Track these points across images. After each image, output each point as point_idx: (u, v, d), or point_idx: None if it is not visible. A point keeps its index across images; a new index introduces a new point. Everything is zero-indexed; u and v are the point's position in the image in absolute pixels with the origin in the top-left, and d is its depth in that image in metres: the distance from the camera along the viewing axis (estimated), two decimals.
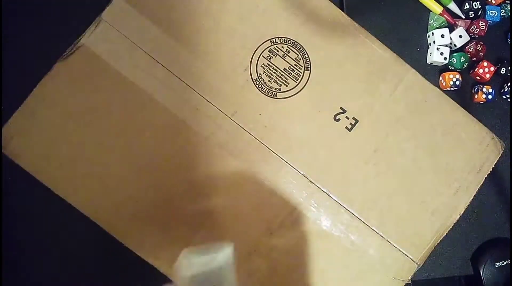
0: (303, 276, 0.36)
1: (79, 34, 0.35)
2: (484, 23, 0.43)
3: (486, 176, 0.37)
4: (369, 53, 0.38)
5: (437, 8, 0.43)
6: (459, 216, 0.37)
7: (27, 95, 0.35)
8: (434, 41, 0.43)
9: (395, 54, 0.38)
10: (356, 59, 0.38)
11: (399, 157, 0.37)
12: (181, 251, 0.34)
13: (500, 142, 0.38)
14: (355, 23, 0.38)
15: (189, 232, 0.35)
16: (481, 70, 0.42)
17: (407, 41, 0.43)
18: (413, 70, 0.38)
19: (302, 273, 0.36)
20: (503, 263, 0.40)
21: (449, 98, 0.38)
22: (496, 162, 0.38)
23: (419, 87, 0.38)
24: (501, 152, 0.38)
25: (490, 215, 0.42)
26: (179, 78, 0.36)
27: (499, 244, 0.41)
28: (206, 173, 0.36)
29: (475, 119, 0.38)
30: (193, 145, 0.36)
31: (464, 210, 0.37)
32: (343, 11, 0.39)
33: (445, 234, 0.37)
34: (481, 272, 0.40)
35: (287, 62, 0.37)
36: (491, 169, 0.37)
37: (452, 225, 0.37)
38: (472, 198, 0.37)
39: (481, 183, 0.37)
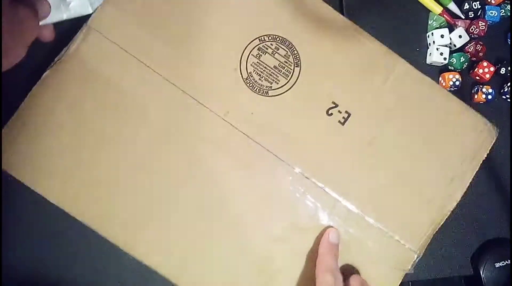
0: (303, 271, 0.36)
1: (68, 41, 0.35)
2: (483, 23, 0.43)
3: (481, 163, 0.37)
4: (359, 46, 0.38)
5: (436, 8, 0.43)
6: (455, 204, 0.37)
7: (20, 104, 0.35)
8: (433, 41, 0.42)
9: (384, 46, 0.38)
10: (346, 53, 0.38)
11: (394, 148, 0.37)
12: (184, 258, 0.35)
13: (494, 128, 0.38)
14: (343, 17, 0.38)
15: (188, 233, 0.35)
16: (480, 70, 0.42)
17: (406, 41, 0.43)
18: (403, 60, 0.38)
19: (302, 268, 0.36)
20: (503, 263, 0.40)
21: (440, 86, 0.38)
22: (490, 148, 0.38)
23: (410, 77, 0.38)
24: (495, 138, 0.38)
25: (490, 215, 0.42)
26: (169, 81, 0.36)
27: (499, 245, 0.41)
28: (201, 174, 0.36)
29: (468, 106, 0.38)
30: (186, 147, 0.36)
31: (460, 198, 0.37)
32: (342, 11, 0.38)
33: (442, 222, 0.37)
34: (481, 273, 0.40)
35: (277, 59, 0.37)
36: (485, 156, 0.37)
37: (449, 214, 0.37)
38: (467, 186, 0.37)
39: (476, 171, 0.37)
